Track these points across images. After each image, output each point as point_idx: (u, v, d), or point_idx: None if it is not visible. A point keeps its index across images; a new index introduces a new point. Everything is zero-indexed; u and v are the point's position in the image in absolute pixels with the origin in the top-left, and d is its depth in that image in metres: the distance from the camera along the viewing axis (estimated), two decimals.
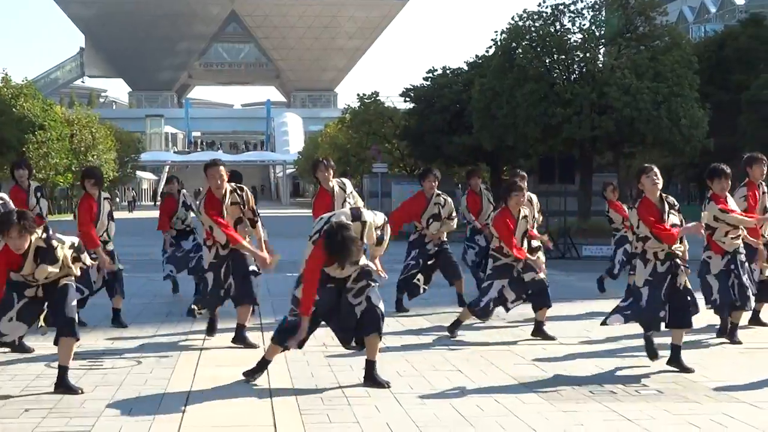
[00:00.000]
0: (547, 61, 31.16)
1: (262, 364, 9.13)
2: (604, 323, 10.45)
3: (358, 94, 47.69)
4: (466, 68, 39.05)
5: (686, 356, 9.88)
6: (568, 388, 9.10)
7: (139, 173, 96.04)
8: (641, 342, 10.23)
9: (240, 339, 11.17)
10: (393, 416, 7.87)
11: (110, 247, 12.78)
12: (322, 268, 8.71)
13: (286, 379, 9.38)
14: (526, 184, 12.94)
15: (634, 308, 10.07)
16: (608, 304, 14.86)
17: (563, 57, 31.08)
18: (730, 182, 11.43)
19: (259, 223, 11.39)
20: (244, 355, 10.62)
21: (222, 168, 11.01)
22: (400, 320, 13.27)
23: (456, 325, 12.05)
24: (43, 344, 11.34)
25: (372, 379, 8.99)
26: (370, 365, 9.05)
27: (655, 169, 10.20)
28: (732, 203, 11.48)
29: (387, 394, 8.70)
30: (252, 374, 9.11)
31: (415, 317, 13.87)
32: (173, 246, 16.02)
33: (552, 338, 11.82)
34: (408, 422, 7.69)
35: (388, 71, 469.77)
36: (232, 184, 11.19)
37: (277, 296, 16.29)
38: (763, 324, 12.97)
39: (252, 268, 11.29)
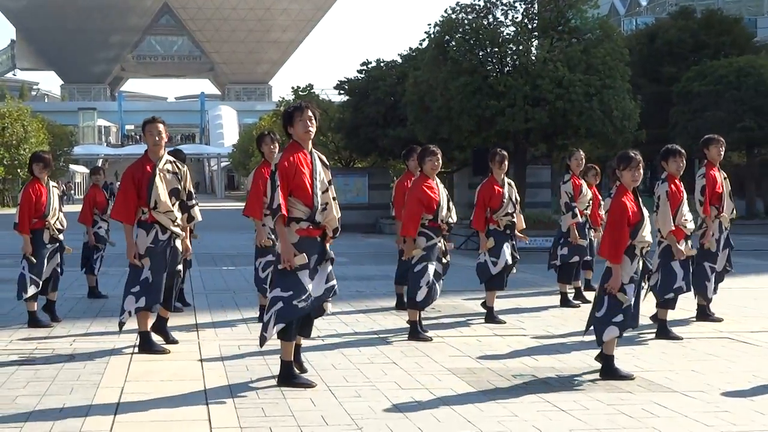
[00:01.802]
0: (480, 53, 31.23)
1: (289, 366, 8.87)
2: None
3: (293, 87, 47.51)
4: (400, 61, 39.04)
5: (620, 349, 9.95)
6: (503, 379, 9.16)
7: (72, 167, 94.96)
8: (578, 337, 10.29)
9: (162, 331, 10.93)
10: (328, 409, 7.85)
11: (61, 236, 12.62)
12: None
13: (220, 372, 9.34)
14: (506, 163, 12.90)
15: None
16: (535, 299, 15.00)
17: (496, 50, 31.16)
18: (684, 162, 11.58)
19: (196, 209, 10.83)
20: (177, 349, 10.56)
21: (162, 125, 10.44)
22: (339, 316, 13.25)
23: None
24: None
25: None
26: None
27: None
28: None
29: (323, 387, 8.69)
30: (290, 380, 8.80)
31: (353, 313, 13.85)
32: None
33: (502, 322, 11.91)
34: (343, 415, 7.68)
35: (322, 64, 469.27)
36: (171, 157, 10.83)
37: (212, 292, 16.18)
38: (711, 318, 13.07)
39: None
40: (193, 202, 10.80)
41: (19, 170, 62.85)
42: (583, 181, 14.87)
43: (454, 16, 32.12)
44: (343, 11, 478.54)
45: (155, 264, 10.25)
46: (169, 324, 11.03)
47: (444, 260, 11.87)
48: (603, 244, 9.40)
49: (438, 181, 11.71)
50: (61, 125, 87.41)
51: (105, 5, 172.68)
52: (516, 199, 13.10)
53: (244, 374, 9.27)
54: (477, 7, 32.09)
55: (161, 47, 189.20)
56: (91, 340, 11.27)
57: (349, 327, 12.33)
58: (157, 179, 10.28)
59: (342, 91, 40.80)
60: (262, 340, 8.77)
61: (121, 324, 10.41)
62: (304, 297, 8.61)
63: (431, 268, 11.44)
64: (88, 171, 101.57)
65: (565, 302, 14.50)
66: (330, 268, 8.88)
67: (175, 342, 10.86)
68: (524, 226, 13.34)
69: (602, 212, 15.09)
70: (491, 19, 32.08)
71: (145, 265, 10.22)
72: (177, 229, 10.43)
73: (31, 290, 12.20)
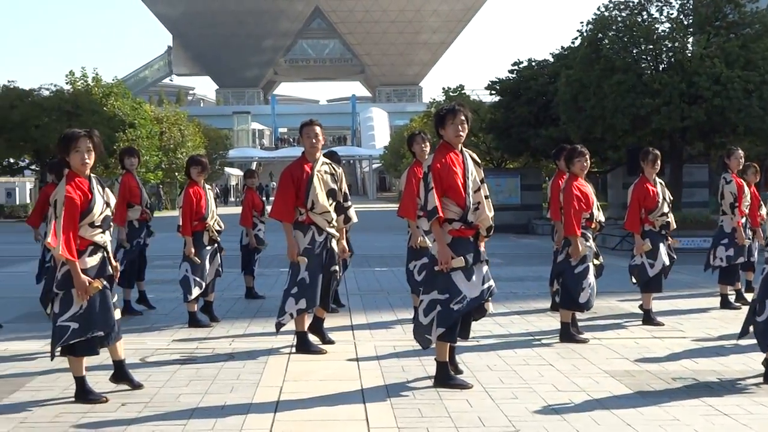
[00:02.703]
0: (634, 51, 30.77)
1: (444, 367, 8.87)
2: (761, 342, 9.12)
3: (443, 88, 47.52)
4: (552, 60, 38.73)
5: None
6: (662, 382, 9.00)
7: (227, 170, 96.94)
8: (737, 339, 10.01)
9: (318, 331, 11.14)
10: (485, 410, 7.85)
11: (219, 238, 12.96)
12: None
13: (377, 372, 9.41)
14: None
15: None
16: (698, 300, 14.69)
17: (651, 47, 30.66)
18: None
19: (352, 211, 11.01)
20: (333, 349, 10.69)
21: (318, 128, 10.62)
22: (493, 318, 13.19)
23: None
24: (134, 339, 11.56)
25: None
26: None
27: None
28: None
29: (479, 388, 8.69)
30: (446, 381, 8.79)
31: (507, 314, 13.81)
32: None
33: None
34: (500, 416, 7.66)
35: (473, 64, 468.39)
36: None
37: (366, 293, 16.33)
38: None
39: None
40: (349, 203, 10.93)
41: (176, 173, 64.47)
42: (743, 180, 14.51)
43: (607, 13, 31.75)
44: (494, 11, 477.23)
45: (312, 265, 10.39)
46: (325, 325, 11.19)
47: (597, 261, 11.74)
48: None
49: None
50: (216, 129, 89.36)
51: (258, 10, 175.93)
52: (669, 198, 12.84)
53: (400, 375, 9.33)
54: (631, 4, 31.65)
55: (313, 50, 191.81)
56: (250, 340, 11.50)
57: (503, 328, 12.30)
58: (315, 180, 10.43)
59: (493, 92, 40.66)
60: (426, 342, 8.81)
61: (280, 325, 10.57)
62: (459, 299, 8.63)
63: (591, 268, 11.36)
64: (242, 174, 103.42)
65: (725, 304, 14.17)
66: (486, 268, 8.86)
67: (331, 342, 11.00)
68: (675, 227, 13.05)
69: (762, 212, 14.68)
70: (645, 16, 31.61)
71: (302, 266, 10.36)
72: (333, 231, 10.57)
73: (196, 291, 12.52)
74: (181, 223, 12.51)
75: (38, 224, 13.54)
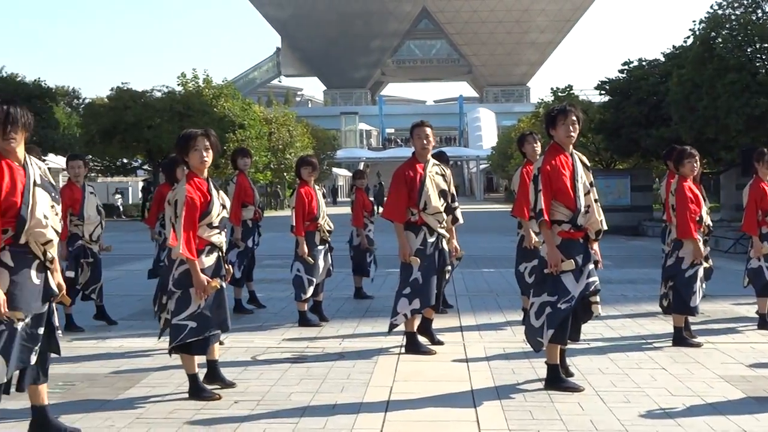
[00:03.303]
0: (748, 50, 30.16)
1: (556, 370, 8.85)
2: None
3: (552, 88, 47.24)
4: (663, 59, 38.20)
5: None
6: None
7: (335, 170, 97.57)
8: None
9: (427, 332, 11.15)
10: (597, 414, 7.77)
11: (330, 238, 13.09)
12: None
13: (486, 374, 9.39)
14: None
15: None
16: None
17: (766, 45, 30.04)
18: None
19: (458, 212, 11.03)
20: (443, 350, 10.69)
21: (429, 129, 10.62)
22: (605, 321, 13.07)
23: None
24: (245, 338, 11.71)
25: None
26: None
27: None
28: None
29: (590, 391, 8.61)
30: (558, 384, 8.73)
31: (618, 317, 13.65)
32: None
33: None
34: (612, 420, 7.58)
35: (581, 64, 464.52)
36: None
37: (475, 294, 16.30)
38: None
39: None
40: (456, 204, 10.92)
41: (285, 174, 65.10)
42: None
43: (720, 12, 31.20)
44: (603, 10, 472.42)
45: (425, 265, 10.40)
46: (434, 326, 11.19)
47: (706, 264, 11.56)
48: None
49: None
50: (324, 129, 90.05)
51: (366, 12, 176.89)
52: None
53: (510, 376, 9.30)
54: (745, 2, 31.04)
55: (420, 51, 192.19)
56: (359, 340, 11.56)
57: (614, 331, 12.16)
58: (428, 181, 10.44)
59: (602, 92, 40.25)
60: (538, 345, 8.78)
61: (393, 326, 10.59)
62: (567, 298, 8.58)
63: (701, 272, 11.20)
64: (349, 174, 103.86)
65: None
66: (591, 266, 8.78)
67: (440, 343, 11.00)
68: None
69: None
70: (760, 14, 30.96)
71: (415, 266, 10.38)
72: (443, 231, 10.58)
73: (310, 291, 12.65)
74: (294, 223, 12.63)
75: (154, 224, 13.81)
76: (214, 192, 8.47)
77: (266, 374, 9.47)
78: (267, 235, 14.65)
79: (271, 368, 9.78)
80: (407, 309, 10.42)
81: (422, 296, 10.41)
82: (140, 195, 58.03)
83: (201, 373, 8.65)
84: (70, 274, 12.45)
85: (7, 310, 6.42)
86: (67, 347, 10.85)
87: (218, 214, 8.44)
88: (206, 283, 8.23)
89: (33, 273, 6.68)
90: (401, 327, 10.75)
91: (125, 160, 58.01)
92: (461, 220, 11.16)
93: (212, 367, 8.85)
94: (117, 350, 10.95)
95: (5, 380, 6.56)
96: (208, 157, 8.45)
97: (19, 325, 6.58)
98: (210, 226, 8.38)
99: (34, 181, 6.68)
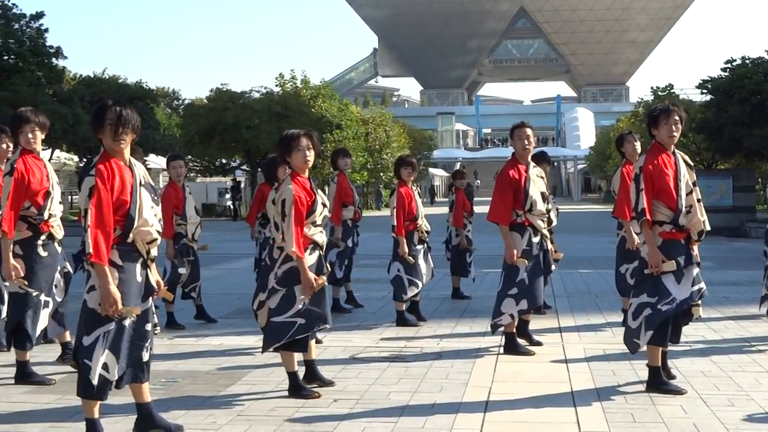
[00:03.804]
0: None
1: (657, 372, 8.73)
2: None
3: (652, 87, 46.76)
4: (767, 57, 37.51)
5: None
6: None
7: (431, 170, 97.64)
8: None
9: (525, 333, 11.09)
10: (701, 418, 7.65)
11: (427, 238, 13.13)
12: None
13: (587, 375, 9.31)
14: None
15: None
16: None
17: None
18: None
19: (552, 214, 11.08)
20: (541, 351, 10.63)
21: (530, 130, 10.56)
22: (707, 323, 12.89)
23: None
24: (343, 337, 11.78)
25: None
26: None
27: None
28: None
29: (693, 394, 8.50)
30: (659, 386, 8.62)
31: (721, 319, 13.44)
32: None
33: None
34: (716, 424, 7.46)
35: (682, 62, 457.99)
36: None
37: (573, 294, 16.18)
38: None
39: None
40: (550, 206, 10.90)
41: (381, 174, 65.30)
42: None
43: None
44: (705, 7, 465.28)
45: (531, 266, 10.37)
46: (532, 326, 11.14)
47: None
48: None
49: None
50: (421, 130, 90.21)
51: (463, 11, 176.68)
52: None
53: (611, 378, 9.21)
54: None
55: (517, 51, 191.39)
56: (457, 340, 11.55)
57: (717, 333, 11.97)
58: (531, 182, 10.41)
59: (704, 90, 39.64)
60: (635, 346, 8.69)
61: (497, 326, 10.54)
62: (667, 300, 8.47)
63: None
64: (446, 174, 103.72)
65: None
66: (696, 270, 8.66)
67: (539, 344, 10.94)
68: None
69: None
70: None
71: (521, 267, 10.34)
72: (545, 231, 10.55)
73: (411, 291, 12.70)
74: (395, 223, 12.66)
75: (254, 222, 13.97)
76: (316, 191, 8.56)
77: (365, 373, 9.51)
78: (364, 235, 14.70)
79: (370, 367, 9.82)
80: (514, 310, 10.38)
81: (529, 297, 10.38)
82: (228, 195, 58.55)
83: (300, 371, 8.72)
84: (183, 270, 12.76)
85: (122, 307, 6.57)
86: (168, 345, 11.07)
87: (321, 213, 8.51)
88: (313, 281, 8.31)
89: (137, 271, 6.81)
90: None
91: (224, 161, 58.74)
92: (555, 221, 11.13)
93: (310, 366, 8.90)
94: (217, 348, 11.10)
95: (116, 377, 6.70)
96: (311, 156, 8.53)
97: (127, 323, 6.72)
98: (314, 224, 8.45)
99: (140, 182, 6.82)
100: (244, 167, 58.82)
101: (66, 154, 54.63)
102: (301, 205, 8.30)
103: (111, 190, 6.60)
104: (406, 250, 12.63)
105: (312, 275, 8.31)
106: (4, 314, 10.05)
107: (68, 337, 9.75)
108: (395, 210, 12.69)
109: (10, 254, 8.77)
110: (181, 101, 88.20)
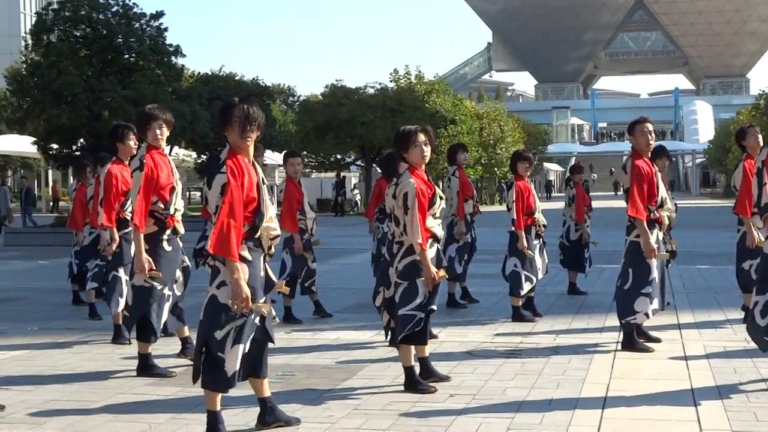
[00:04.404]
0: None
1: None
2: None
3: None
4: None
5: None
6: None
7: (546, 165, 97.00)
8: None
9: (641, 331, 10.96)
10: None
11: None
12: None
13: (707, 373, 9.16)
14: None
15: None
16: None
17: None
18: None
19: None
20: (660, 348, 10.49)
21: (650, 125, 10.43)
22: None
23: None
24: (459, 332, 11.78)
25: None
26: None
27: None
28: None
29: None
30: None
31: None
32: None
33: None
34: None
35: None
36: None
37: (693, 291, 15.93)
38: None
39: None
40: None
41: (495, 169, 65.08)
42: None
43: None
44: None
45: (660, 263, 10.30)
46: (651, 323, 11.00)
47: None
48: None
49: None
50: (535, 124, 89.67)
51: (578, 4, 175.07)
52: None
53: (732, 376, 9.02)
54: None
55: (634, 43, 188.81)
56: (574, 336, 11.46)
57: None
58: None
59: None
60: (765, 344, 8.48)
61: (631, 325, 10.41)
62: None
63: None
64: (560, 169, 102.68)
65: None
66: None
67: (657, 341, 10.79)
68: None
69: None
70: None
71: (653, 265, 10.20)
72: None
73: (527, 287, 12.68)
74: (514, 217, 12.61)
75: (373, 217, 14.07)
76: (434, 184, 8.58)
77: (481, 369, 9.49)
78: (478, 230, 14.63)
79: (486, 363, 9.80)
80: (648, 308, 10.23)
81: (659, 296, 10.29)
82: (333, 190, 58.79)
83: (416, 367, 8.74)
84: (314, 266, 13.08)
85: (252, 304, 6.67)
86: (285, 338, 11.20)
87: (439, 205, 8.53)
88: (435, 274, 8.32)
89: (261, 266, 6.91)
90: (609, 322, 10.58)
91: (338, 156, 59.13)
92: (674, 216, 11.05)
93: (425, 362, 8.88)
94: (334, 342, 11.18)
95: (237, 368, 6.80)
96: (428, 152, 8.53)
97: (254, 318, 6.83)
98: (434, 216, 8.47)
99: (261, 179, 6.92)
100: (358, 163, 59.19)
101: (185, 151, 55.56)
102: (423, 197, 8.32)
103: (241, 186, 6.69)
104: (526, 244, 12.58)
105: (434, 269, 8.32)
106: (122, 306, 10.31)
107: (187, 331, 9.92)
108: (514, 204, 12.64)
109: (143, 247, 8.96)
110: (296, 98, 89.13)
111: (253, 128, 6.80)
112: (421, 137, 8.50)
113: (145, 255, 8.98)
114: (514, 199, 12.67)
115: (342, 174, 59.45)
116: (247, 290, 6.60)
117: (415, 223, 8.23)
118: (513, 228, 12.66)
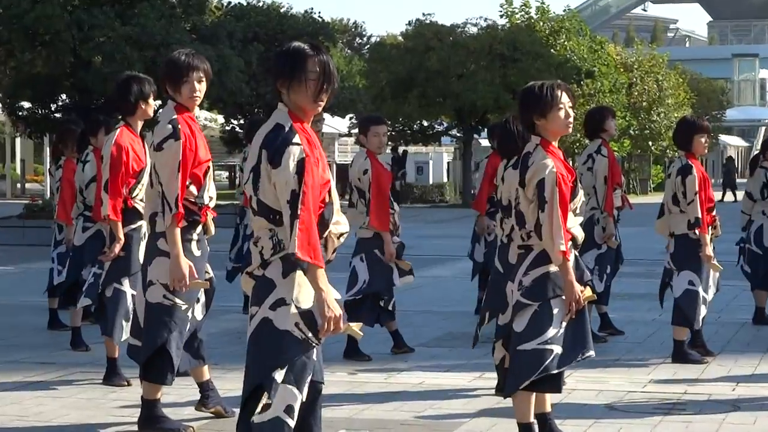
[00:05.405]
0: None
1: None
2: None
3: None
4: None
5: None
6: None
7: (722, 138, 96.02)
8: None
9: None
10: None
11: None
12: None
13: None
14: None
15: None
16: None
17: None
18: None
19: None
20: None
21: None
22: None
23: None
24: (595, 376, 11.75)
25: None
26: None
27: None
28: None
29: None
30: None
31: None
32: None
33: None
34: None
35: None
36: None
37: None
38: None
39: None
40: None
41: (650, 143, 64.51)
42: None
43: None
44: None
45: None
46: None
47: None
48: None
49: None
50: (709, 79, 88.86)
51: None
52: None
53: None
54: None
55: None
56: (762, 385, 11.36)
57: None
58: None
59: None
60: None
61: None
62: None
63: None
64: (744, 145, 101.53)
65: None
66: None
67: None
68: None
69: None
70: None
71: None
72: None
73: (702, 311, 12.67)
74: (698, 215, 12.42)
75: (484, 209, 14.13)
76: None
77: (627, 428, 9.49)
78: (620, 230, 14.39)
79: (635, 422, 9.80)
80: None
81: None
82: (415, 170, 57.87)
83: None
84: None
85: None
86: (348, 382, 11.29)
87: (580, 198, 8.48)
88: (579, 293, 8.16)
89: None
90: None
91: (425, 123, 58.67)
92: None
93: (546, 421, 8.73)
94: (416, 388, 11.16)
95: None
96: (571, 118, 8.41)
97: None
98: (574, 213, 8.40)
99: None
100: (453, 132, 58.97)
101: (207, 113, 54.75)
102: (564, 184, 8.21)
103: (316, 165, 6.58)
104: (711, 253, 12.37)
105: (579, 286, 8.18)
106: (126, 333, 10.14)
107: (207, 373, 9.67)
108: (696, 197, 12.31)
109: (180, 246, 8.73)
110: (365, 39, 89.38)
111: (329, 89, 6.66)
112: (565, 98, 8.39)
113: (184, 258, 8.76)
114: (696, 189, 12.32)
115: (401, 148, 57.76)
116: (337, 308, 6.51)
117: (555, 222, 8.08)
118: (696, 230, 12.33)
